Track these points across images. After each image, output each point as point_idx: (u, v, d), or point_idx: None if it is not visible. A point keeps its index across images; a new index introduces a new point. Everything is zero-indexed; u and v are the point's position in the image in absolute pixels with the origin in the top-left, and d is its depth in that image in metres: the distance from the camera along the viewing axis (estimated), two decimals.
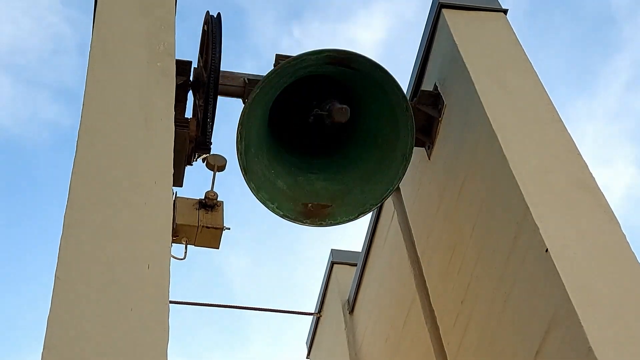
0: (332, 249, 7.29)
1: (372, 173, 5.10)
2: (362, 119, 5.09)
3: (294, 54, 5.27)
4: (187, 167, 5.06)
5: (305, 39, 14.91)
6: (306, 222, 5.00)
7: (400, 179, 5.05)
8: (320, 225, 5.04)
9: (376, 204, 5.16)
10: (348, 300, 6.81)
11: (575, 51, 14.13)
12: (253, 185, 4.83)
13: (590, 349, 3.45)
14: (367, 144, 5.13)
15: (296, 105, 5.09)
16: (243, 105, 5.21)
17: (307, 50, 4.67)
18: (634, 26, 13.77)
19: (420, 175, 5.57)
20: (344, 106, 4.71)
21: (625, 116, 13.86)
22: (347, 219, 5.10)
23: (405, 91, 5.58)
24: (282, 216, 4.95)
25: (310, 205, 4.97)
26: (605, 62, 14.03)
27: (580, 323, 3.54)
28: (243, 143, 4.72)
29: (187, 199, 5.00)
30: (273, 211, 4.90)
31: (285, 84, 4.81)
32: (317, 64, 4.76)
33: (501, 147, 4.43)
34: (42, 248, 13.15)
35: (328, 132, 5.16)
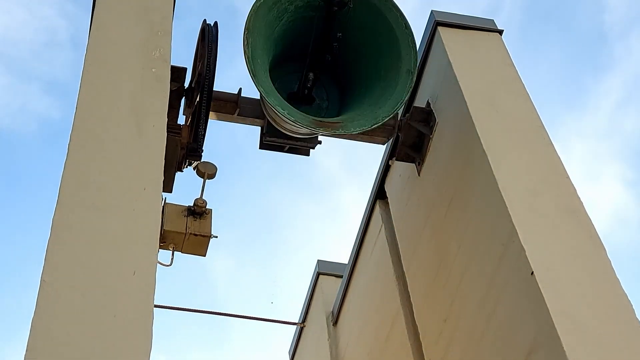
0: (318, 260, 7.29)
1: (378, 98, 5.09)
2: (363, 58, 5.18)
3: None
4: (177, 174, 5.06)
5: None
6: (319, 130, 4.94)
7: (408, 92, 5.00)
8: (333, 134, 4.99)
9: (389, 115, 5.00)
10: (332, 311, 6.82)
11: (566, 68, 14.17)
12: (262, 89, 4.76)
13: None
14: (370, 79, 5.18)
15: (302, 36, 5.15)
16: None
17: None
18: (626, 46, 13.83)
19: (409, 191, 5.59)
20: None
21: (614, 135, 13.91)
22: (360, 128, 4.97)
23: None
24: (293, 122, 4.83)
25: (321, 119, 4.96)
26: (596, 81, 14.08)
27: (562, 347, 3.56)
28: (250, 49, 4.70)
29: (176, 205, 5.00)
30: (284, 117, 4.79)
31: (288, 10, 4.91)
32: None
33: (491, 167, 4.45)
34: (28, 241, 13.12)
35: (332, 78, 5.29)
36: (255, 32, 4.82)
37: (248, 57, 4.73)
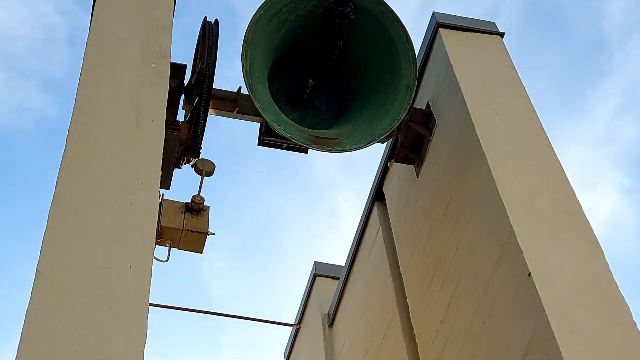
0: (315, 262, 7.28)
1: (377, 112, 5.11)
2: (363, 70, 5.20)
3: None
4: (176, 170, 5.05)
5: None
6: (315, 147, 4.94)
7: (407, 109, 5.03)
8: (329, 151, 4.97)
9: (384, 134, 5.06)
10: (328, 313, 6.80)
11: (565, 74, 14.14)
12: (259, 105, 4.79)
13: None
14: (369, 90, 5.21)
15: (300, 52, 5.20)
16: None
17: None
18: (625, 53, 13.81)
19: (407, 193, 5.58)
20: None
21: (611, 142, 13.88)
22: (356, 146, 5.01)
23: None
24: (290, 138, 4.87)
25: (317, 134, 4.96)
26: (594, 87, 14.05)
27: (559, 349, 3.55)
28: (248, 62, 4.76)
29: (174, 201, 4.98)
30: (280, 133, 4.84)
31: (288, 19, 4.92)
32: None
33: (490, 169, 4.44)
34: (23, 237, 13.10)
35: (330, 93, 5.31)
36: (254, 44, 4.86)
37: (246, 71, 4.79)
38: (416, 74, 5.08)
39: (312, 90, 5.35)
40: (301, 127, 5.06)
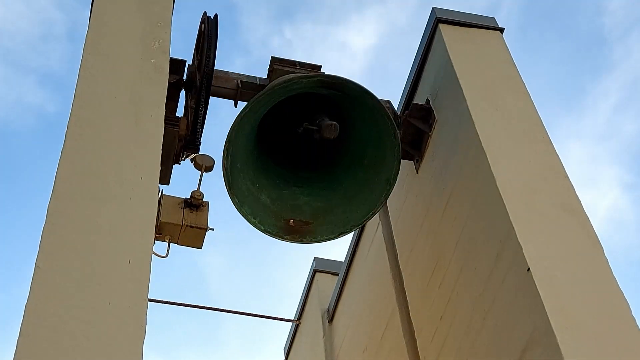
0: (315, 257, 7.29)
1: (355, 193, 5.16)
2: (351, 139, 5.14)
3: (287, 57, 5.30)
4: (175, 166, 5.05)
5: (296, 39, 14.89)
6: (286, 238, 5.09)
7: (383, 203, 5.14)
8: (301, 242, 5.14)
9: (357, 226, 5.27)
10: (328, 309, 6.80)
11: (565, 69, 14.15)
12: (237, 200, 4.93)
13: None
14: (353, 163, 5.19)
15: (286, 120, 5.15)
16: (235, 107, 5.23)
17: (299, 74, 4.78)
18: (625, 48, 13.81)
19: (407, 189, 5.58)
20: (334, 123, 4.78)
21: (611, 138, 13.89)
22: (327, 237, 5.20)
23: (397, 104, 5.61)
24: (263, 231, 5.05)
25: (292, 221, 5.07)
26: (594, 83, 14.05)
27: (558, 345, 3.54)
28: (229, 159, 4.80)
29: (173, 197, 4.98)
30: (254, 226, 5.02)
31: (275, 102, 4.87)
32: (308, 87, 4.85)
33: (489, 165, 4.44)
34: (23, 231, 13.11)
35: (316, 147, 5.23)
36: (237, 138, 4.81)
37: (226, 169, 4.81)
38: (398, 170, 5.03)
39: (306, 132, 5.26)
40: (278, 210, 5.08)
